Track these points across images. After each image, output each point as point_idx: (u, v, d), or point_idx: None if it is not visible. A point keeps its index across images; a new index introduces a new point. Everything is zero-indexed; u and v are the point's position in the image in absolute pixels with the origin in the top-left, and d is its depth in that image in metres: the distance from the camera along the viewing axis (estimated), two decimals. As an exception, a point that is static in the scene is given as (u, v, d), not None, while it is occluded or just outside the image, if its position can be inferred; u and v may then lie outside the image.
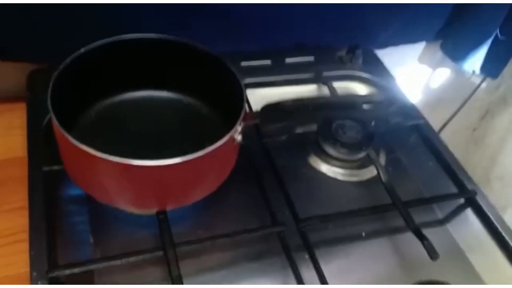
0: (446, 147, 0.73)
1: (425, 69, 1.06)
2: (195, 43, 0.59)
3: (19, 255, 0.52)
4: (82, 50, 0.55)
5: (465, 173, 0.70)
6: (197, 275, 0.54)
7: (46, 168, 0.56)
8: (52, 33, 0.65)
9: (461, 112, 1.16)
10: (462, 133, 1.19)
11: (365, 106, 0.57)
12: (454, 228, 0.66)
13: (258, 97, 0.73)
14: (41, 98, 0.50)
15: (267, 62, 0.78)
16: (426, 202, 0.67)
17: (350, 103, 0.57)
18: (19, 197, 0.57)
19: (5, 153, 0.64)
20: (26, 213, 0.53)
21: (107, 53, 0.57)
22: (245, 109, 0.53)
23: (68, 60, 0.54)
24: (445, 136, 0.77)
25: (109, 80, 0.61)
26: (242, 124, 0.52)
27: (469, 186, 0.68)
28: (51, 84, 0.49)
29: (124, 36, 0.57)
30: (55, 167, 0.56)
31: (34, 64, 0.69)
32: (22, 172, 0.57)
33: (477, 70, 0.94)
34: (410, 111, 0.73)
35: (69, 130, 0.56)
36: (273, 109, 0.56)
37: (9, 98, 0.69)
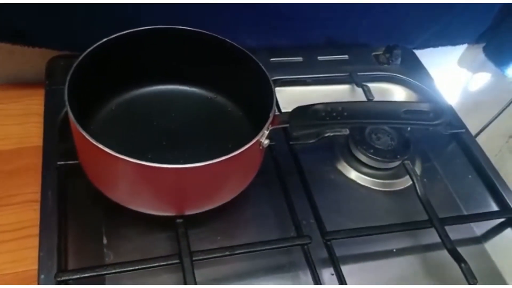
0: (488, 160, 0.69)
1: (465, 72, 1.01)
2: (224, 37, 0.56)
3: (29, 251, 0.50)
4: (105, 39, 0.52)
5: (508, 190, 0.65)
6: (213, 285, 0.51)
7: (60, 163, 0.54)
8: (76, 20, 0.62)
9: (498, 119, 1.11)
10: (497, 140, 1.16)
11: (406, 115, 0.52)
12: (492, 248, 0.62)
13: (288, 95, 0.71)
14: (60, 88, 0.47)
15: (299, 59, 0.75)
16: (465, 220, 0.62)
17: (390, 111, 0.52)
18: (32, 189, 0.55)
19: (22, 141, 0.62)
20: (38, 206, 0.51)
21: (131, 44, 0.55)
22: (274, 112, 0.49)
23: (89, 50, 0.51)
24: (479, 142, 0.73)
25: (132, 72, 0.59)
26: (270, 127, 0.48)
27: (512, 204, 0.64)
28: (68, 78, 0.47)
29: (149, 27, 0.54)
30: (70, 162, 0.54)
31: (55, 50, 0.66)
32: (37, 162, 0.55)
33: (520, 76, 0.90)
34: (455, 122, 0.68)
35: (88, 121, 0.55)
36: (304, 113, 0.52)
37: (28, 82, 0.67)
